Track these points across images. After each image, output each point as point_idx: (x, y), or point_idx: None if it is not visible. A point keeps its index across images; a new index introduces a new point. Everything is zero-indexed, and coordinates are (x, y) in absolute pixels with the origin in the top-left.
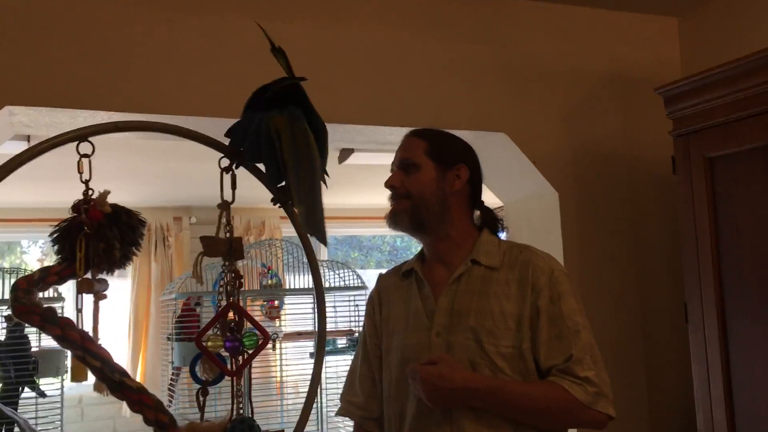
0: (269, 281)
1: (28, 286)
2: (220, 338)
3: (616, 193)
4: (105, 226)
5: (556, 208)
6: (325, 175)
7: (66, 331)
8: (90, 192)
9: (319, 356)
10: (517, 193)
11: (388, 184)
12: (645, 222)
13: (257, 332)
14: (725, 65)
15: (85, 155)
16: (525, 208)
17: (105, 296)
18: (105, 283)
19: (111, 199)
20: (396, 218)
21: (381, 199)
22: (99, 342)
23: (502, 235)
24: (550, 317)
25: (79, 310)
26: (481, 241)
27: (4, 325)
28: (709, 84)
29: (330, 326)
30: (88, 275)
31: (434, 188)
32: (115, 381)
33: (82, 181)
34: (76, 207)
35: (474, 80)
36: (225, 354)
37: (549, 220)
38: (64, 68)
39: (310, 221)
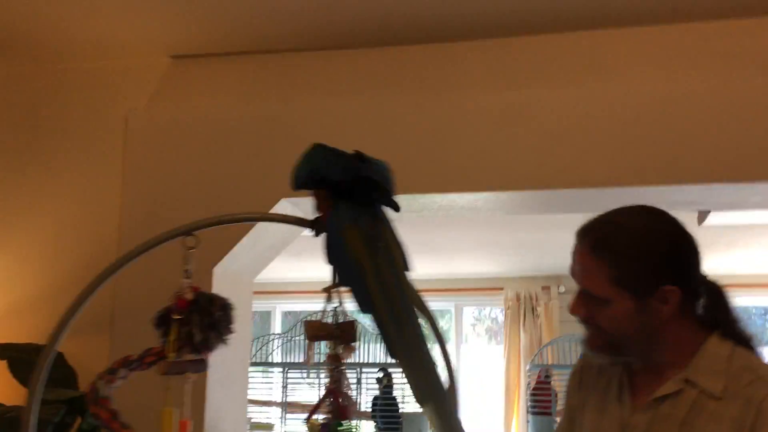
0: None
1: (120, 366)
2: (317, 422)
3: None
4: (190, 312)
5: None
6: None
7: (98, 410)
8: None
9: None
10: None
11: (573, 313)
12: None
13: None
14: None
15: (191, 248)
16: None
17: (190, 377)
18: (196, 364)
19: (474, 269)
20: (591, 351)
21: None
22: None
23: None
24: None
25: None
26: (705, 351)
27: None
28: None
29: None
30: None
31: (634, 322)
32: None
33: (184, 269)
34: (176, 294)
35: None
36: None
37: None
38: None
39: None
